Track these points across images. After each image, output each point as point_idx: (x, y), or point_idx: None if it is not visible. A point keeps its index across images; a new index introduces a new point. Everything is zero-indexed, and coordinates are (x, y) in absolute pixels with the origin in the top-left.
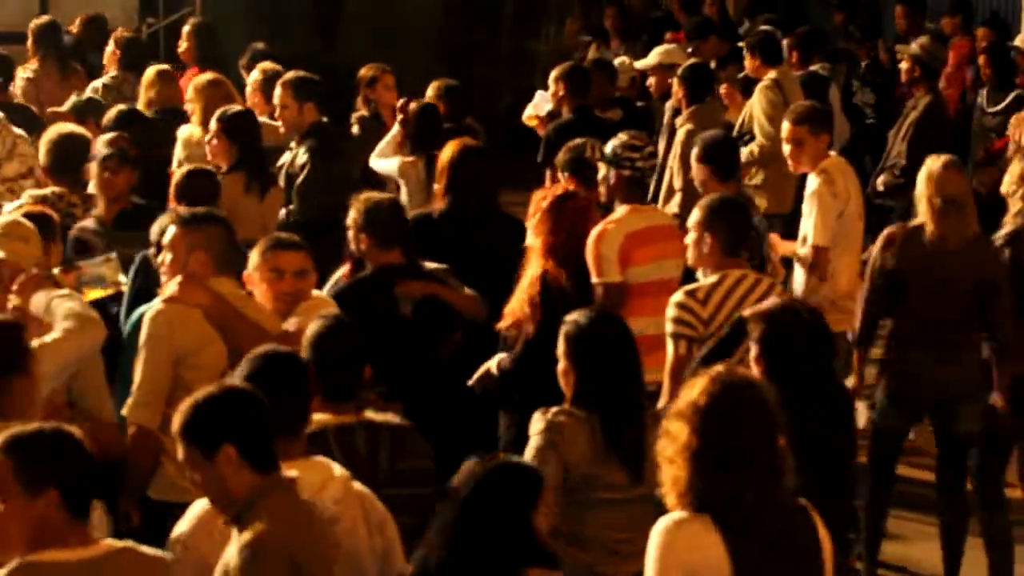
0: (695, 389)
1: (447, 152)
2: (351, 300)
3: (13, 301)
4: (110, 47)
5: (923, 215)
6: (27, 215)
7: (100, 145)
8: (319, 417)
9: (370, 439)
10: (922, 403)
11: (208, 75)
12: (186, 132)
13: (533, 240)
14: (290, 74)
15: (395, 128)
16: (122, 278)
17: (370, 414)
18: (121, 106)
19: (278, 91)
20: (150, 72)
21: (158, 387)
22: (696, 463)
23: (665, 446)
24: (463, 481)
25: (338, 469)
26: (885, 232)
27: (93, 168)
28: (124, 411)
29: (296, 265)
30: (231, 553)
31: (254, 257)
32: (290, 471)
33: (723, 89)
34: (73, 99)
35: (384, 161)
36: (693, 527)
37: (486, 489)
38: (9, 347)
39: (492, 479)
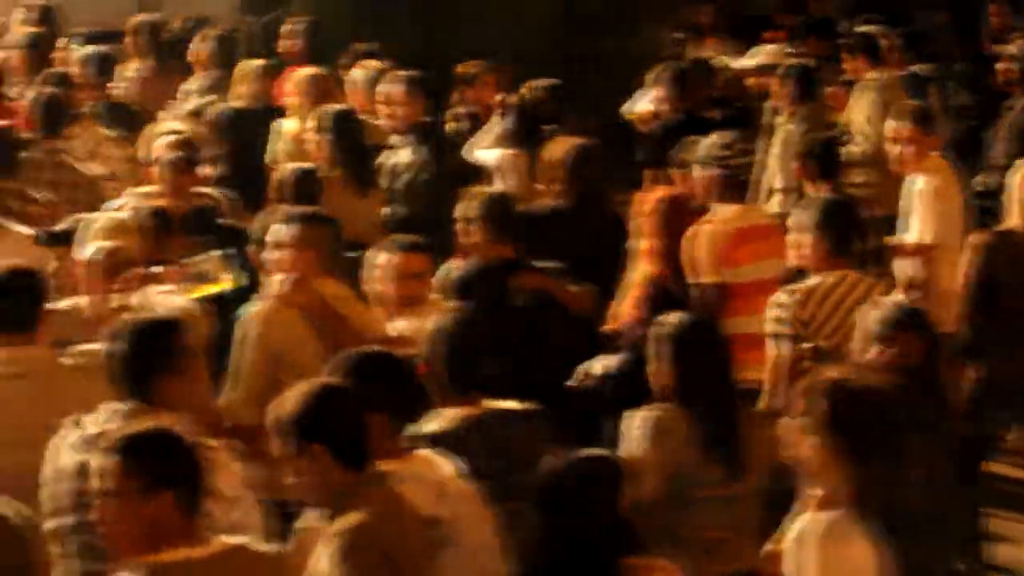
0: (829, 393)
1: (560, 149)
2: (463, 292)
3: (118, 299)
4: (202, 44)
5: (1016, 217)
6: (153, 211)
7: (164, 148)
8: (447, 412)
9: (502, 428)
10: (1008, 405)
11: (311, 70)
12: (284, 126)
13: (640, 242)
14: (407, 72)
15: (496, 122)
16: (227, 275)
17: (496, 403)
18: (225, 104)
19: (395, 88)
20: (247, 67)
21: (255, 385)
22: (842, 465)
23: (808, 449)
24: (546, 477)
25: (446, 466)
26: (974, 239)
27: (158, 171)
28: (222, 408)
29: (416, 268)
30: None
31: (374, 257)
32: (392, 468)
33: (829, 90)
34: (197, 102)
35: (485, 153)
36: (848, 526)
37: (569, 483)
38: (157, 345)
39: (573, 472)
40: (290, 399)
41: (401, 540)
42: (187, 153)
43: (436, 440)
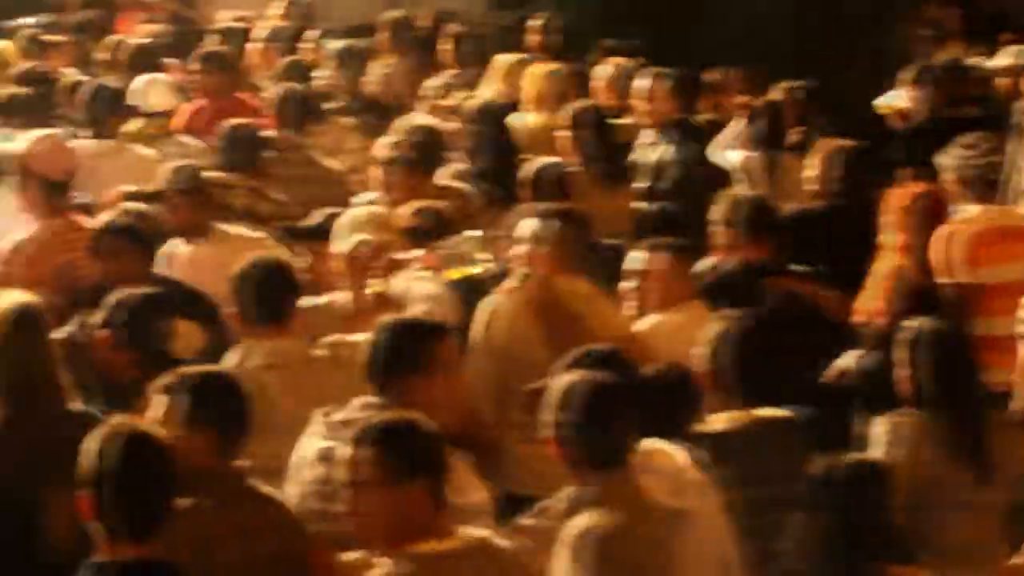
0: None
1: (817, 151)
2: (717, 294)
3: (373, 286)
4: (450, 40)
5: None
6: (419, 209)
7: (380, 147)
8: (719, 416)
9: (771, 435)
10: None
11: (551, 65)
12: (529, 122)
13: (891, 238)
14: (663, 69)
15: (738, 123)
16: (485, 255)
17: (766, 411)
18: (477, 99)
19: (651, 84)
20: (499, 63)
21: (483, 380)
22: None
23: None
24: (816, 480)
25: (682, 458)
26: None
27: (376, 171)
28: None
29: (671, 268)
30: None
31: (629, 256)
32: (634, 463)
33: None
34: (447, 97)
35: (732, 155)
36: None
37: (839, 486)
38: (409, 347)
39: (844, 475)
40: (545, 393)
41: (644, 537)
42: (410, 154)
43: (706, 442)
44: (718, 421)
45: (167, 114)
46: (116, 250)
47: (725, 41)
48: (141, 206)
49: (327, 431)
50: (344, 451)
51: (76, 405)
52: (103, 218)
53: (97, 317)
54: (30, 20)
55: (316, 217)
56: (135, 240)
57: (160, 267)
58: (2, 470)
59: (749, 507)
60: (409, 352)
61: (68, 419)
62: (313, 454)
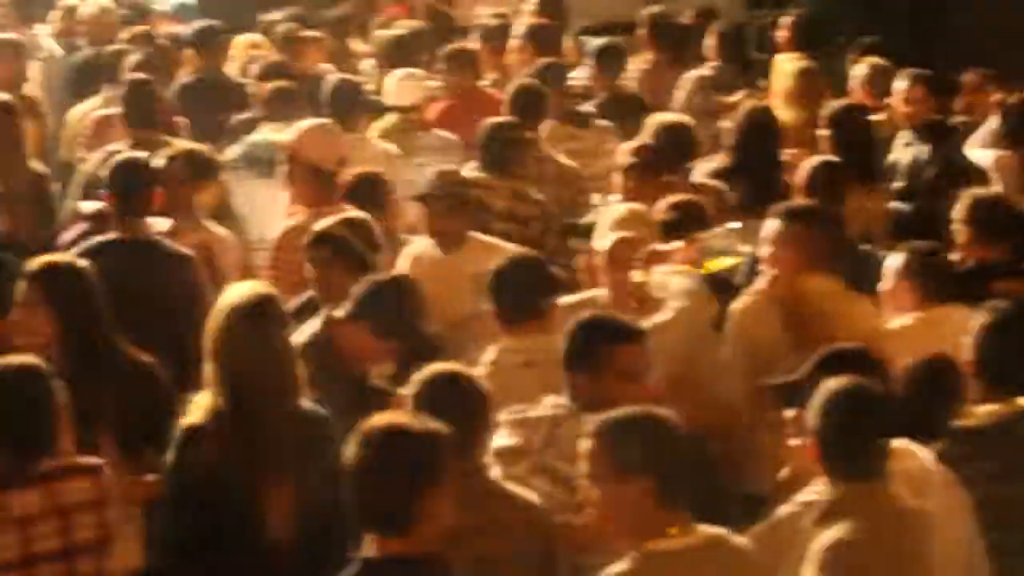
0: None
1: None
2: (948, 292)
3: (632, 281)
4: (709, 37)
5: None
6: (676, 202)
7: (622, 153)
8: (982, 408)
9: None
10: None
11: (801, 63)
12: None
13: None
14: (920, 70)
15: (992, 122)
16: (746, 248)
17: None
18: (754, 103)
19: (908, 85)
20: (783, 62)
21: (738, 376)
22: None
23: None
24: None
25: (924, 456)
26: None
27: (617, 174)
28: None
29: (918, 270)
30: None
31: (886, 258)
32: (886, 475)
33: None
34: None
35: (981, 153)
36: None
37: None
38: (581, 347)
39: None
40: (795, 393)
41: (893, 549)
42: (652, 156)
43: (964, 438)
44: (978, 415)
45: (419, 109)
46: (325, 260)
47: (971, 39)
48: (359, 214)
49: (511, 428)
50: (519, 445)
51: (305, 403)
52: (317, 226)
53: (347, 310)
54: (281, 15)
55: (575, 215)
56: (342, 252)
57: (404, 268)
58: (221, 467)
59: (1009, 503)
60: (586, 353)
61: (294, 416)
62: (498, 448)
